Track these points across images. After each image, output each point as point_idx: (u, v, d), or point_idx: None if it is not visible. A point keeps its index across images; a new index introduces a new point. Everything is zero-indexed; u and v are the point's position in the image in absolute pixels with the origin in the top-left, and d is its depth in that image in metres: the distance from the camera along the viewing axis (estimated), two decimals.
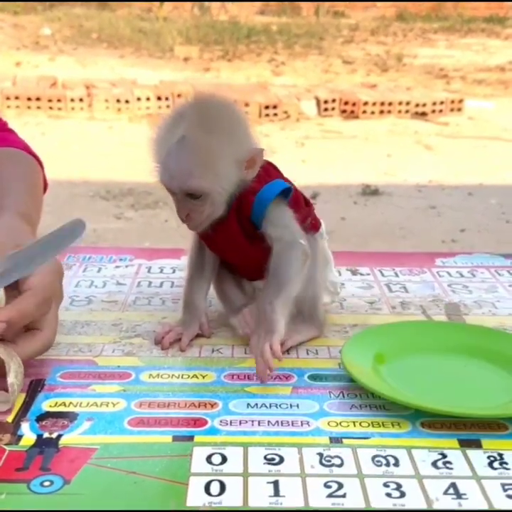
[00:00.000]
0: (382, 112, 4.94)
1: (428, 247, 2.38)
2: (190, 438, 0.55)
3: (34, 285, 0.62)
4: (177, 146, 0.63)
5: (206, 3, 11.27)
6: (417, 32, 10.31)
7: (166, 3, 10.28)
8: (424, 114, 5.02)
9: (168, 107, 4.84)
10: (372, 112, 4.91)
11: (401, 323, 0.74)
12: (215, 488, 0.49)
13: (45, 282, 0.63)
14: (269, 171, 0.70)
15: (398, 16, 11.59)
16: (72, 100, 4.64)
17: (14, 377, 0.57)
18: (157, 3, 10.20)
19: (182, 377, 0.64)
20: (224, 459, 0.52)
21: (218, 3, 11.46)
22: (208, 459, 0.52)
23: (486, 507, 0.48)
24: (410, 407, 0.58)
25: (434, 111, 5.07)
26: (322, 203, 2.88)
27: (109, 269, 0.90)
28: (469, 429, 0.56)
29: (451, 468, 0.52)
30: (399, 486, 0.50)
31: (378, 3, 12.13)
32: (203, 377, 0.64)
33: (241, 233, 0.69)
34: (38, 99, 4.66)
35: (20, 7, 10.41)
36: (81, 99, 4.67)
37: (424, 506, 0.48)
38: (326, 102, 4.93)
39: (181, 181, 0.64)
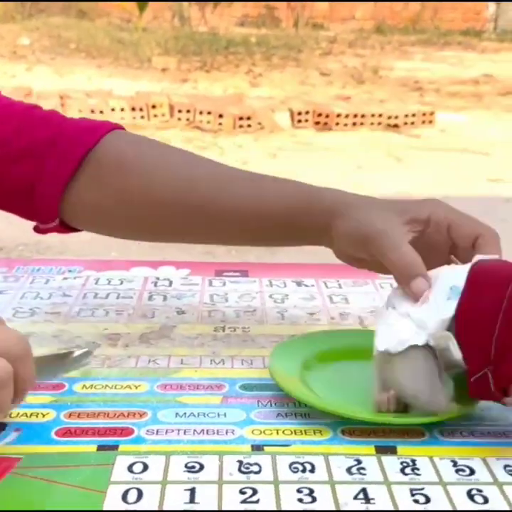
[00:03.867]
0: (355, 124, 5.01)
1: None
2: (115, 447, 0.56)
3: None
4: None
5: (186, 14, 11.33)
6: (394, 45, 10.46)
7: (145, 14, 10.31)
8: (396, 126, 5.10)
9: (142, 117, 4.86)
10: (346, 124, 4.97)
11: (330, 331, 0.76)
12: (132, 496, 0.51)
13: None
14: None
15: (376, 29, 11.74)
16: None
17: None
18: (136, 14, 10.23)
19: (115, 388, 0.65)
20: (145, 468, 0.54)
21: (198, 14, 11.52)
22: (130, 467, 0.54)
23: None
24: (328, 413, 0.60)
25: (406, 123, 5.15)
26: None
27: (57, 280, 0.91)
28: (388, 436, 0.58)
29: (364, 474, 0.54)
30: (311, 492, 0.51)
31: (357, 15, 12.28)
32: (136, 387, 0.66)
33: None
34: None
35: None
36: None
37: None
38: (299, 113, 4.99)
39: None
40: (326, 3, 12.09)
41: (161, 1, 10.56)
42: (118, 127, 0.70)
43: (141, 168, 0.69)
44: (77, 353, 0.62)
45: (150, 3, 10.01)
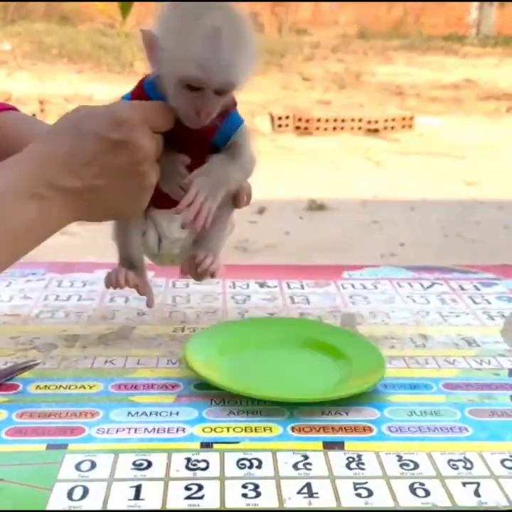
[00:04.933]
0: (335, 128, 5.04)
1: (366, 261, 2.43)
2: (64, 446, 0.57)
3: None
4: (213, 38, 0.59)
5: None
6: (377, 50, 10.51)
7: (128, 19, 10.30)
8: (376, 130, 5.14)
9: None
10: (326, 129, 5.00)
11: (241, 321, 0.80)
12: (77, 493, 0.51)
13: None
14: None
15: (359, 34, 11.79)
16: None
17: None
18: (120, 19, 10.22)
19: (69, 388, 0.66)
20: (93, 466, 0.54)
21: None
22: (77, 466, 0.54)
23: (334, 505, 0.51)
24: (234, 392, 0.63)
25: (386, 128, 5.19)
26: (268, 218, 2.92)
27: (19, 282, 0.91)
28: (337, 432, 0.59)
29: (310, 469, 0.54)
30: (256, 487, 0.52)
31: (340, 21, 12.33)
32: (91, 387, 0.66)
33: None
34: None
35: None
36: (34, 115, 4.65)
37: (276, 505, 0.50)
38: (279, 118, 5.01)
39: (221, 76, 0.61)
40: (310, 9, 12.15)
41: (146, 1, 10.50)
42: (13, 108, 0.86)
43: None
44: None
45: (133, 8, 10.00)
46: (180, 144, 0.67)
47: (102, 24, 11.16)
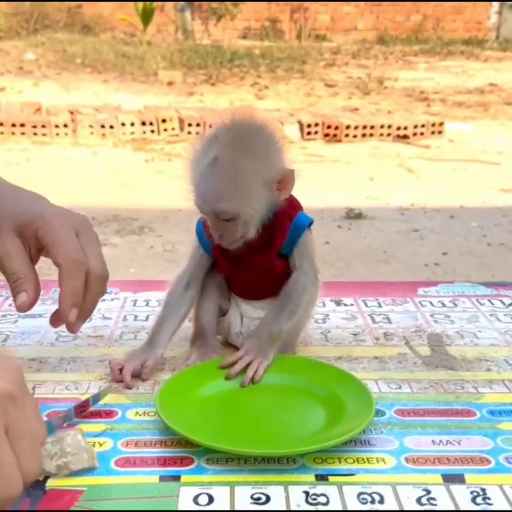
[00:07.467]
0: (364, 135, 5.01)
1: (411, 271, 2.40)
2: (177, 478, 0.55)
3: None
4: (209, 168, 0.65)
5: (189, 28, 11.40)
6: (397, 55, 10.46)
7: (149, 28, 10.35)
8: (405, 137, 5.10)
9: (152, 131, 4.86)
10: (355, 136, 4.98)
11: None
12: None
13: None
14: (295, 201, 0.73)
15: (379, 39, 11.77)
16: (56, 126, 4.66)
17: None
18: (140, 28, 10.28)
19: None
20: (211, 499, 0.53)
21: (201, 28, 11.59)
22: (195, 499, 0.53)
23: None
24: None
25: (415, 134, 5.15)
26: None
27: None
28: (453, 464, 0.57)
29: (435, 505, 0.52)
30: None
31: (359, 26, 12.32)
32: None
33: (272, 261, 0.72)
34: (22, 125, 4.68)
35: (4, 32, 10.44)
36: (65, 125, 4.68)
37: None
38: (308, 125, 4.99)
39: (212, 204, 0.66)
40: (328, 15, 12.15)
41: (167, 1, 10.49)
42: None
43: None
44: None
45: (154, 17, 10.06)
46: (247, 268, 0.73)
47: (123, 33, 11.25)
